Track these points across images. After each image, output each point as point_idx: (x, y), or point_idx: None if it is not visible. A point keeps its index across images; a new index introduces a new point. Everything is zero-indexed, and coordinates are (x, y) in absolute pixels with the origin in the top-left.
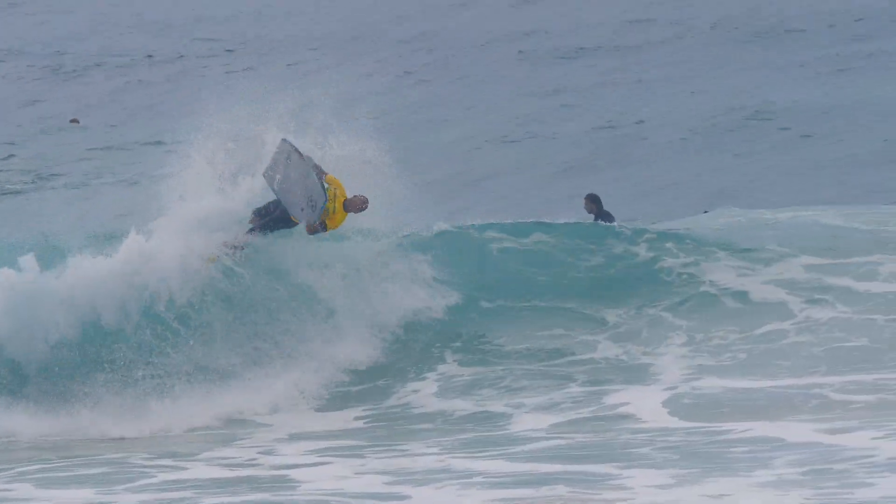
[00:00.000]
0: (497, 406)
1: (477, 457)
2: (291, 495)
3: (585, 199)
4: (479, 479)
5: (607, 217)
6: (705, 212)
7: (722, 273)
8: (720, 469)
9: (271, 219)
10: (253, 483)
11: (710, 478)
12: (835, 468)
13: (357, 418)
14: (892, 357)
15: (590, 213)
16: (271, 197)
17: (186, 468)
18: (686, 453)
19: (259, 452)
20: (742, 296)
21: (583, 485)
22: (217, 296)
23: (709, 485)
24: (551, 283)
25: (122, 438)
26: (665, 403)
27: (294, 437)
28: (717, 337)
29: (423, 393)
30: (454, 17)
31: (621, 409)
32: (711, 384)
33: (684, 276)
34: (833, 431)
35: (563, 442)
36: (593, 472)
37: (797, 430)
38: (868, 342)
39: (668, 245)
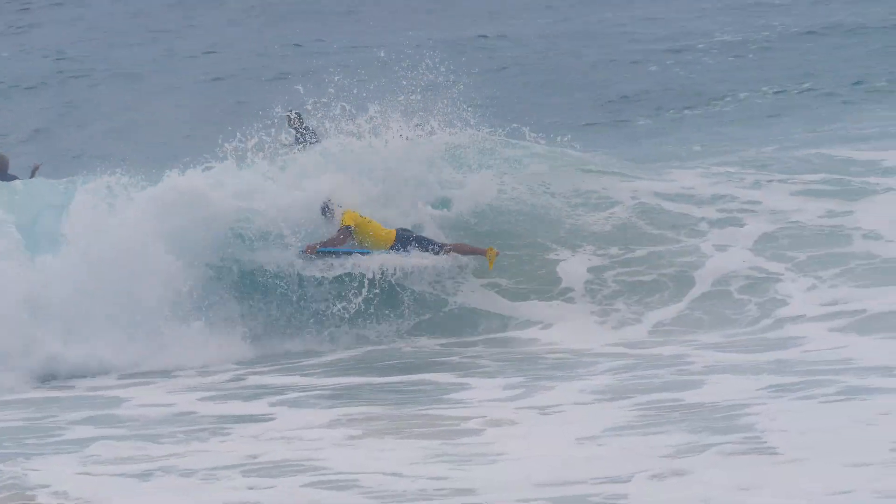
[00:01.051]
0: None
1: (296, 369)
2: (119, 412)
3: (287, 113)
4: (304, 394)
5: (312, 132)
6: None
7: None
8: (546, 378)
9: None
10: (84, 401)
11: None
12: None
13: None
14: None
15: (291, 127)
16: None
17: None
18: (504, 359)
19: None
20: None
21: (423, 398)
22: None
23: (541, 396)
24: None
25: None
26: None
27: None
28: None
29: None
30: None
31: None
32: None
33: None
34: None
35: (370, 350)
36: (430, 382)
37: (602, 336)
38: None
39: None
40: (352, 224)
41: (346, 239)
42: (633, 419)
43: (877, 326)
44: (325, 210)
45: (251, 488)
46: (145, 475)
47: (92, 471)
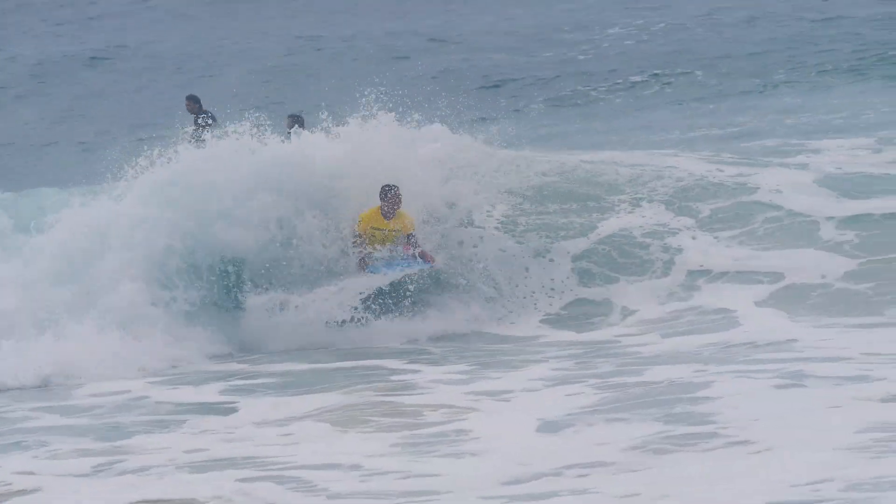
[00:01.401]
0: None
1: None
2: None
3: (186, 100)
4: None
5: (210, 116)
6: None
7: None
8: (493, 366)
9: None
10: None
11: (490, 372)
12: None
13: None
14: None
15: (191, 112)
16: None
17: None
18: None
19: None
20: None
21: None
22: None
23: (491, 382)
24: None
25: None
26: None
27: None
28: None
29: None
30: None
31: None
32: None
33: None
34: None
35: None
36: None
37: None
38: None
39: None
40: None
41: None
42: (589, 406)
43: (806, 305)
44: (397, 196)
45: (196, 483)
46: (95, 468)
47: (41, 461)
